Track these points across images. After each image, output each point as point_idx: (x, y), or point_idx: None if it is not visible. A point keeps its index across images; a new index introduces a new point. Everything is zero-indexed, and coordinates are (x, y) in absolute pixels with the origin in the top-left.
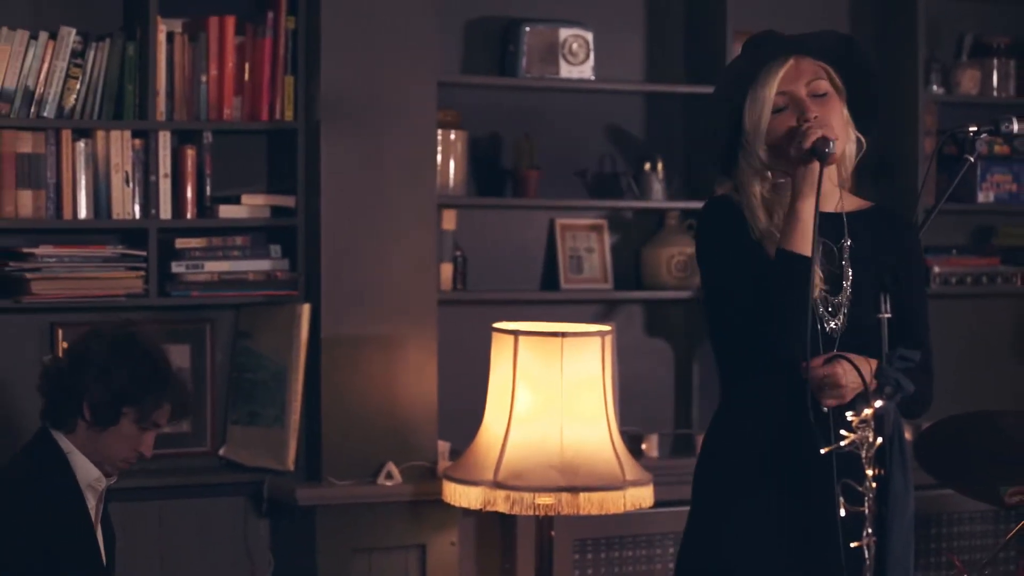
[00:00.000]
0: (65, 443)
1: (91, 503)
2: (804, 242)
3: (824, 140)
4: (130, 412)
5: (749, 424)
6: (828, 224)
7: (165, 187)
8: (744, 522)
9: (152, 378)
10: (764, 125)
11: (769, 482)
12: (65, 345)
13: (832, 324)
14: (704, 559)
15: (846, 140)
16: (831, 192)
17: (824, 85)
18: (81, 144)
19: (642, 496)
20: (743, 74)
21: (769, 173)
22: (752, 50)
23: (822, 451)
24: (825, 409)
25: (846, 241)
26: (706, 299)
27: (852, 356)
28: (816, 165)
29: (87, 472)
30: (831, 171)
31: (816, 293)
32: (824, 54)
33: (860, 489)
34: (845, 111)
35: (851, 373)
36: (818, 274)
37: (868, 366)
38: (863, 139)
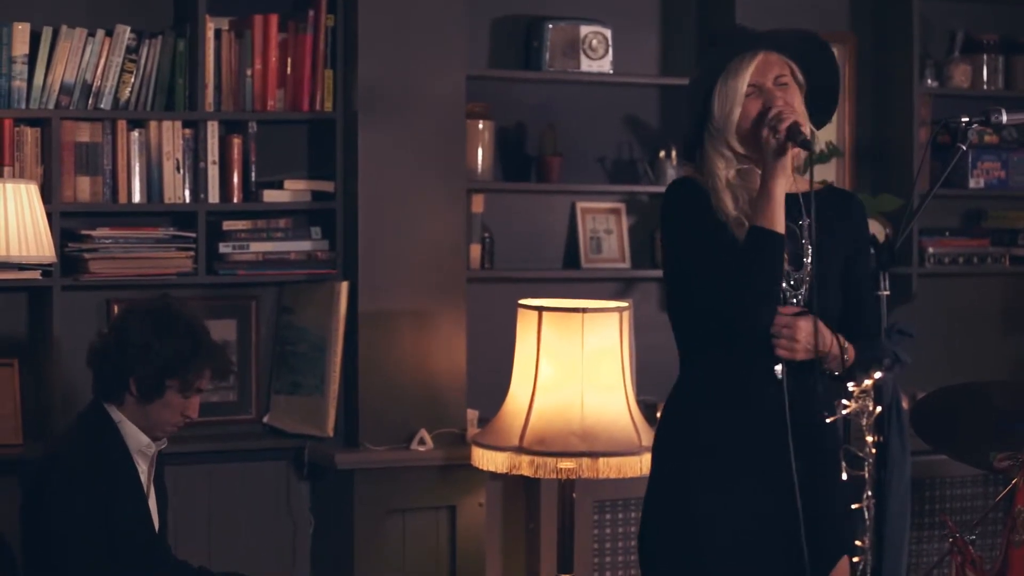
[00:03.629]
0: (116, 413)
1: (142, 468)
2: (778, 220)
3: (797, 125)
4: (174, 384)
5: (713, 392)
6: (788, 204)
7: (213, 173)
8: (711, 486)
9: (192, 349)
10: (735, 114)
11: (728, 447)
12: None
13: (795, 299)
14: (672, 525)
15: (806, 122)
16: (790, 175)
17: (787, 78)
18: (135, 133)
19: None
20: (714, 65)
21: (735, 158)
22: (724, 43)
23: (828, 420)
24: (778, 369)
25: (806, 220)
26: (671, 275)
27: (818, 321)
28: (789, 148)
29: (137, 440)
30: (792, 154)
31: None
32: (791, 51)
33: (860, 454)
34: (802, 106)
35: (811, 335)
36: None
37: (829, 336)
38: (815, 131)
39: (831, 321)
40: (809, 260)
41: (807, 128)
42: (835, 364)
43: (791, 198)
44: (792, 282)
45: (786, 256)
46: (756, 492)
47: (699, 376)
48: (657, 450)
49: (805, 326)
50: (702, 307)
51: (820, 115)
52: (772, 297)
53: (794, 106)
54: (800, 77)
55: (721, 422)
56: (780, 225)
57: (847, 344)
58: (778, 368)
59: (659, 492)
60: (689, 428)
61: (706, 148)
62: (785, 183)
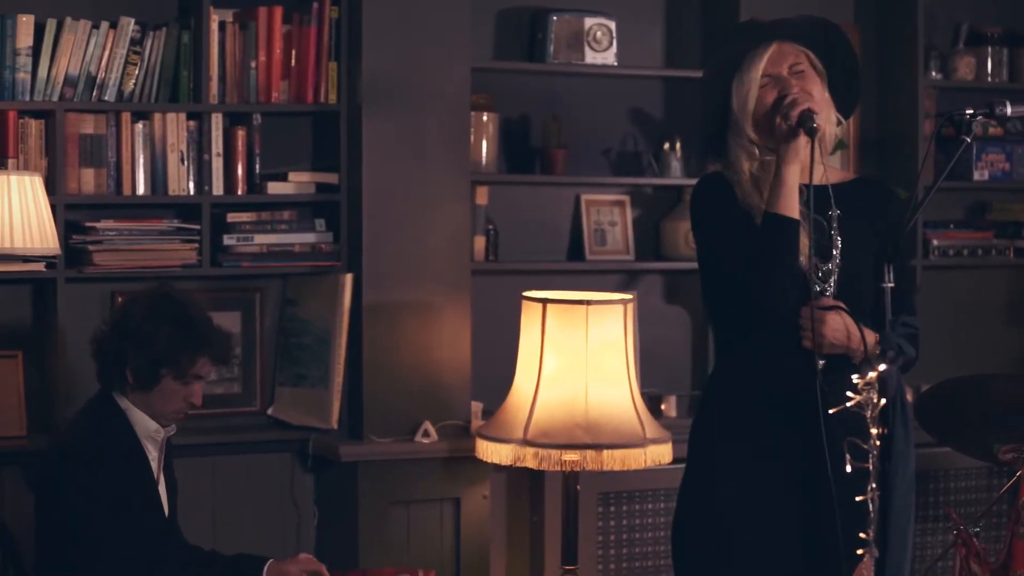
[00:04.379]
0: (123, 402)
1: (152, 454)
2: (790, 205)
3: (809, 112)
4: (168, 372)
5: (746, 382)
6: (816, 196)
7: (217, 165)
8: (739, 474)
9: (185, 338)
10: (751, 105)
11: (766, 434)
12: None
13: (825, 292)
14: (700, 512)
15: (827, 116)
16: (817, 165)
17: (804, 66)
18: (139, 125)
19: (661, 453)
20: (729, 60)
21: (757, 151)
22: (736, 37)
23: (831, 411)
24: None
25: (834, 211)
26: (703, 267)
27: (845, 315)
28: (801, 135)
29: (145, 426)
30: (809, 142)
31: (804, 262)
32: (804, 39)
33: (865, 446)
34: (826, 92)
35: (839, 330)
36: (804, 242)
37: (859, 332)
38: (843, 119)
39: (863, 315)
40: (837, 252)
41: (823, 115)
42: (859, 357)
43: (819, 190)
44: (820, 274)
45: (812, 247)
46: (784, 481)
47: (732, 365)
48: (692, 439)
49: (832, 320)
50: (729, 295)
51: (845, 97)
52: (791, 280)
53: (812, 93)
54: (819, 64)
55: (752, 410)
56: (793, 211)
57: (870, 339)
58: (821, 362)
59: (690, 480)
60: (721, 417)
61: (730, 143)
62: (798, 169)
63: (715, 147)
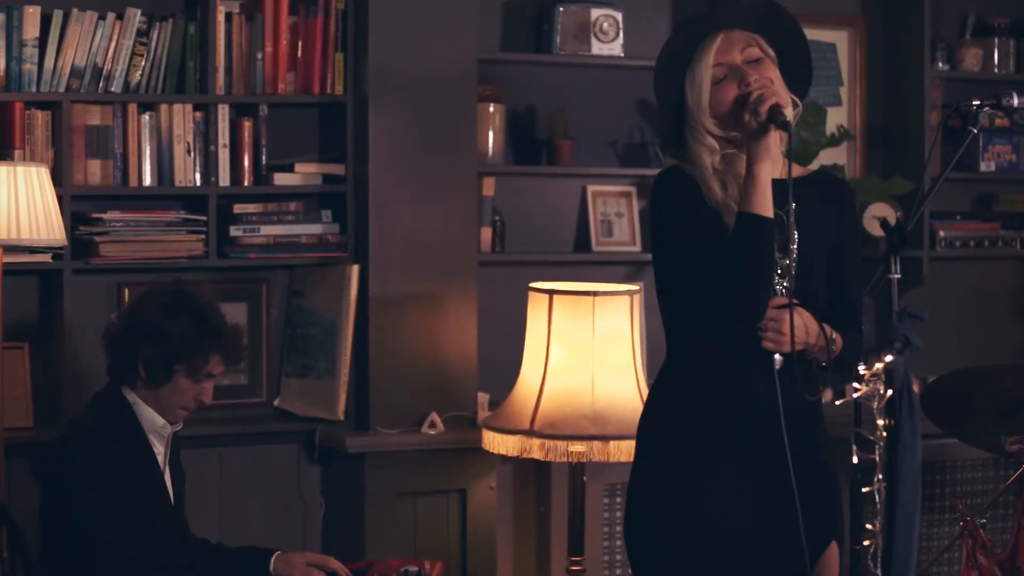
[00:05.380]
0: (131, 396)
1: (159, 448)
2: (765, 204)
3: (778, 107)
4: (181, 369)
5: (695, 379)
6: (774, 190)
7: (224, 156)
8: (688, 471)
9: (200, 335)
10: (706, 98)
11: (712, 432)
12: None
13: (779, 286)
14: (661, 513)
15: (786, 100)
16: (777, 158)
17: (756, 52)
18: (146, 117)
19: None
20: (678, 55)
21: (717, 144)
22: (683, 30)
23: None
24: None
25: (792, 206)
26: (663, 264)
27: (804, 312)
28: (773, 131)
29: (152, 421)
30: (777, 137)
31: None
32: (752, 23)
33: (871, 438)
34: (779, 75)
35: (799, 327)
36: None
37: (816, 327)
38: (798, 101)
39: (816, 310)
40: (795, 247)
41: (789, 109)
42: (821, 355)
43: (779, 183)
44: (779, 270)
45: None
46: (740, 478)
47: (687, 362)
48: (641, 436)
49: (790, 320)
50: (697, 296)
51: (797, 83)
52: (767, 282)
53: (772, 80)
54: (770, 50)
55: (706, 407)
56: (768, 209)
57: (835, 335)
58: (777, 358)
59: (644, 478)
60: (674, 413)
61: (688, 139)
62: (770, 166)
63: (673, 143)
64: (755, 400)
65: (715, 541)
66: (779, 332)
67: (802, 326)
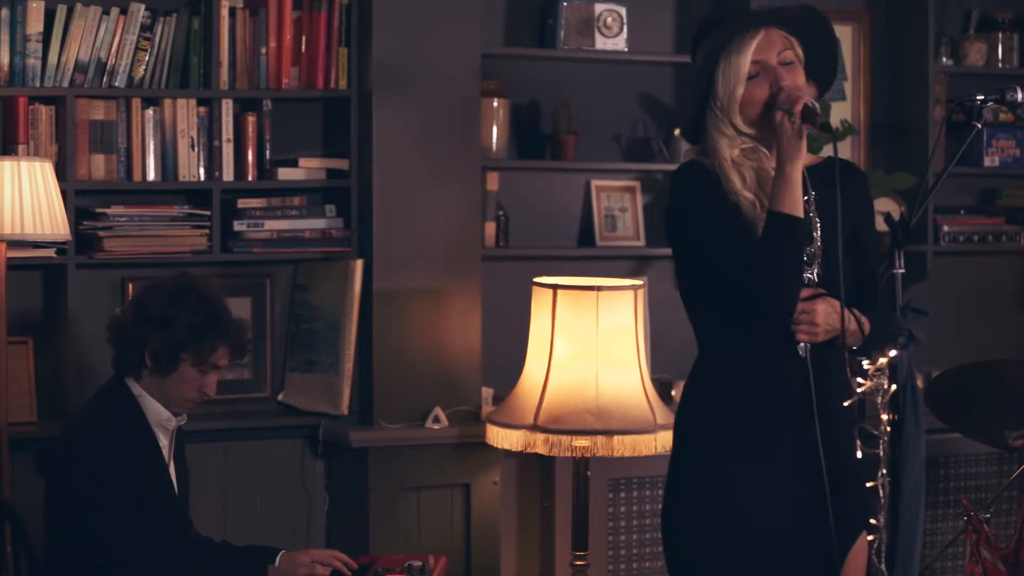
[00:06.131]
0: (136, 388)
1: (163, 442)
2: (796, 204)
3: (811, 107)
4: (188, 358)
5: (729, 373)
6: None
7: (228, 151)
8: (726, 464)
9: (206, 324)
10: (739, 92)
11: (749, 424)
12: None
13: (808, 274)
14: (695, 510)
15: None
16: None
17: (791, 55)
18: (150, 112)
19: (671, 439)
20: (716, 45)
21: (739, 138)
22: (725, 22)
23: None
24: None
25: (811, 194)
26: (687, 261)
27: (832, 300)
28: (805, 131)
29: (157, 413)
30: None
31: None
32: (791, 26)
33: (875, 432)
34: (804, 80)
35: (830, 316)
36: None
37: (849, 314)
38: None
39: (843, 295)
40: (819, 234)
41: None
42: (854, 340)
43: None
44: (805, 258)
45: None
46: (776, 467)
47: (719, 356)
48: (678, 431)
49: (822, 309)
50: (728, 293)
51: (819, 88)
52: (799, 279)
53: (800, 85)
54: (801, 53)
55: (742, 399)
56: (799, 209)
57: (863, 318)
58: (801, 346)
59: (680, 470)
60: (710, 406)
61: (709, 129)
62: (801, 166)
63: (693, 132)
64: (785, 390)
65: (745, 532)
66: (812, 323)
67: (833, 313)
